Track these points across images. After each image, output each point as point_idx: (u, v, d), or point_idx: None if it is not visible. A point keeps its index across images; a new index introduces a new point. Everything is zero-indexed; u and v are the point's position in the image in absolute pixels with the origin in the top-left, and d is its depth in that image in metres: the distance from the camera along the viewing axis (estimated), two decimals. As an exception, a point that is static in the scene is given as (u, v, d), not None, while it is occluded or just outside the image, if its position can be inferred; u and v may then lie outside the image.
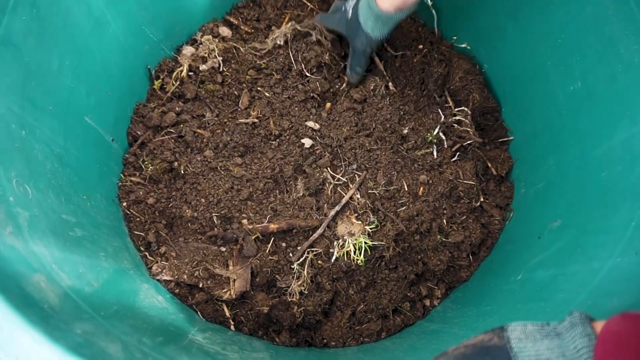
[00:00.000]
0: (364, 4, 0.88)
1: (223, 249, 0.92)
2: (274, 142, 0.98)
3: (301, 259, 0.89)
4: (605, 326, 0.41)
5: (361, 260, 0.86)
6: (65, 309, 0.54)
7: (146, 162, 0.96)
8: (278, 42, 1.02)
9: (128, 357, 0.56)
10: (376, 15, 0.85)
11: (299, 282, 0.87)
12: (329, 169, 0.95)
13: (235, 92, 1.02)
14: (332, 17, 1.00)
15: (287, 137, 0.98)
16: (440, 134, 0.97)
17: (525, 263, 0.78)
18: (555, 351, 0.41)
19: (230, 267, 0.89)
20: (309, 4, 1.10)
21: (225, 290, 0.88)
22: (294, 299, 0.87)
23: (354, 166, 0.96)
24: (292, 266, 0.89)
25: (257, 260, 0.90)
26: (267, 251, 0.90)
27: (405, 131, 0.98)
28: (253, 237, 0.90)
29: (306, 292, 0.87)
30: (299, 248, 0.90)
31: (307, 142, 0.97)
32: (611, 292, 0.56)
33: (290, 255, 0.90)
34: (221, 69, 1.02)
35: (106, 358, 0.52)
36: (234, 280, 0.88)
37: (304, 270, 0.88)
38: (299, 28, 1.01)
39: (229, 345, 0.78)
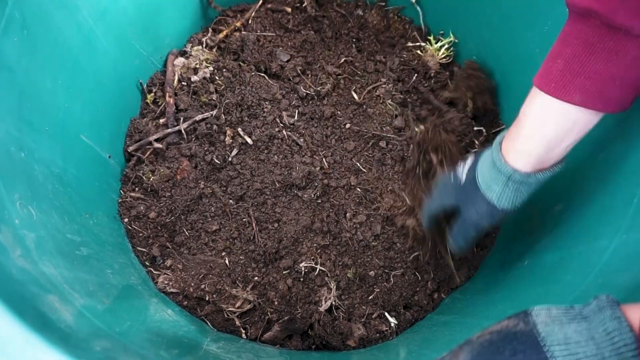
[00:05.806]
0: (487, 163, 0.65)
1: (227, 259, 0.91)
2: (271, 146, 0.99)
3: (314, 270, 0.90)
4: None
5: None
6: (81, 328, 0.53)
7: (147, 174, 0.95)
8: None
9: (149, 371, 0.56)
10: (506, 176, 0.62)
11: (327, 295, 0.87)
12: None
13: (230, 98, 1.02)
14: (438, 196, 0.75)
15: (285, 139, 0.99)
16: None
17: (530, 248, 0.79)
18: (584, 334, 0.40)
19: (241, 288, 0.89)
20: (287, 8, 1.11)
21: (232, 302, 0.87)
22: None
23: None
24: (298, 271, 0.89)
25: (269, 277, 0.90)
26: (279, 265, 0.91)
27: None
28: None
29: (323, 303, 0.88)
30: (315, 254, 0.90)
31: (302, 142, 0.98)
32: (621, 268, 0.57)
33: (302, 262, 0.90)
34: (213, 79, 1.02)
35: (128, 374, 0.52)
36: (244, 298, 0.87)
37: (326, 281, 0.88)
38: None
39: (244, 353, 0.78)
